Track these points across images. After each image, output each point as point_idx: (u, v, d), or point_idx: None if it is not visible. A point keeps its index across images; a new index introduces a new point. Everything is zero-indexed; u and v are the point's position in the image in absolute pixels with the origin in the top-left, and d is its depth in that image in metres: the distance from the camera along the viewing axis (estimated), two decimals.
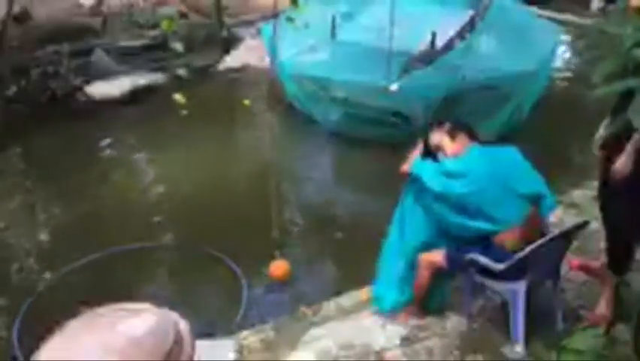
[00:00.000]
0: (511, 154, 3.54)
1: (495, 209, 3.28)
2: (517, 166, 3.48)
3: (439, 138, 3.61)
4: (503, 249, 3.27)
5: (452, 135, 3.57)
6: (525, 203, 3.33)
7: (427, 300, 3.64)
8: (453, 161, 3.47)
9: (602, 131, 3.49)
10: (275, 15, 7.37)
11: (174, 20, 8.66)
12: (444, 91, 6.08)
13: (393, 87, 6.11)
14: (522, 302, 3.31)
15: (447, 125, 3.61)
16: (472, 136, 3.60)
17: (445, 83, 6.09)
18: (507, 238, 3.27)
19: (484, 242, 3.30)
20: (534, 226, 3.37)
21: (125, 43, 8.43)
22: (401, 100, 6.23)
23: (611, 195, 3.40)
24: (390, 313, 3.67)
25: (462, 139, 3.56)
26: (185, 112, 7.39)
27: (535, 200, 3.38)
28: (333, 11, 6.93)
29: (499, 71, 6.32)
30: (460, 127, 3.60)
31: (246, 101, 7.01)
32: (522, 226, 3.29)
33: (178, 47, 8.60)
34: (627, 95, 3.17)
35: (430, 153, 3.64)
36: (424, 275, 3.52)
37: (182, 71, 8.06)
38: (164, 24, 8.32)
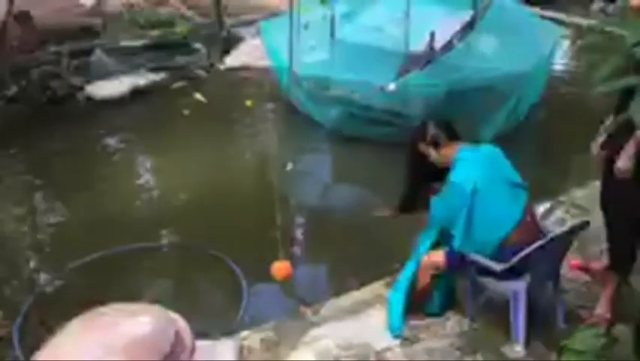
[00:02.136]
0: (495, 149, 3.55)
1: (503, 207, 3.29)
2: (503, 160, 3.49)
3: (426, 150, 3.59)
4: (504, 245, 3.27)
5: (435, 145, 3.54)
6: (522, 192, 3.35)
7: (429, 304, 3.65)
8: (450, 179, 3.43)
9: (602, 133, 3.49)
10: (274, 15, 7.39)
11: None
12: (443, 91, 6.08)
13: (391, 87, 6.11)
14: (523, 302, 3.31)
15: (428, 137, 3.56)
16: (455, 137, 3.57)
17: (444, 82, 6.10)
18: (513, 236, 3.28)
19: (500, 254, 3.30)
20: (533, 218, 3.39)
21: (125, 43, 8.43)
22: (400, 100, 6.23)
23: (613, 195, 3.40)
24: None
25: (446, 144, 3.53)
26: (186, 112, 7.42)
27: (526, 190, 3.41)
28: (333, 11, 6.93)
29: (498, 71, 6.32)
30: (439, 135, 3.54)
31: (249, 102, 7.00)
32: (524, 218, 3.31)
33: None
34: (628, 95, 3.17)
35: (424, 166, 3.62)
36: (425, 277, 3.53)
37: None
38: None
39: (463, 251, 3.36)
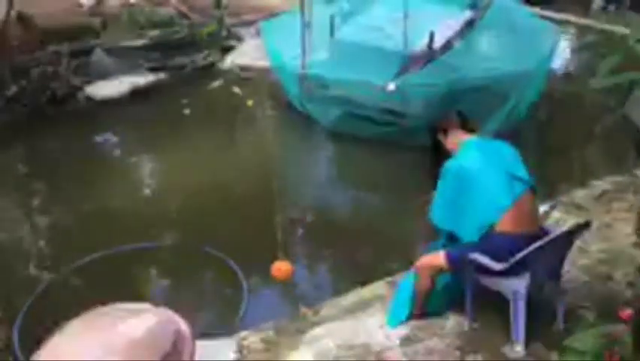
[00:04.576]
0: (506, 148, 3.59)
1: (493, 192, 3.32)
2: (510, 157, 3.53)
3: (439, 136, 3.69)
4: (498, 232, 3.28)
5: (445, 132, 3.65)
6: (518, 184, 3.36)
7: (430, 303, 3.65)
8: (449, 162, 3.51)
9: None
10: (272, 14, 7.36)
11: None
12: (442, 90, 6.09)
13: (391, 86, 6.11)
14: (523, 302, 3.31)
15: (442, 122, 3.69)
16: (468, 129, 3.64)
17: (443, 82, 6.10)
18: (506, 223, 3.28)
19: (487, 237, 3.31)
20: (530, 209, 3.39)
21: (125, 43, 8.43)
22: (400, 99, 6.23)
23: None
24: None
25: (456, 133, 3.62)
26: (186, 111, 7.43)
27: (530, 186, 3.41)
28: (333, 11, 6.94)
29: (498, 71, 6.32)
30: (452, 123, 3.66)
31: (250, 102, 7.01)
32: (517, 207, 3.31)
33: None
34: (629, 91, 3.12)
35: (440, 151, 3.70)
36: (425, 279, 3.53)
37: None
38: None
39: (451, 229, 3.45)
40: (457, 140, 3.59)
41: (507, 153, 3.54)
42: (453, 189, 3.41)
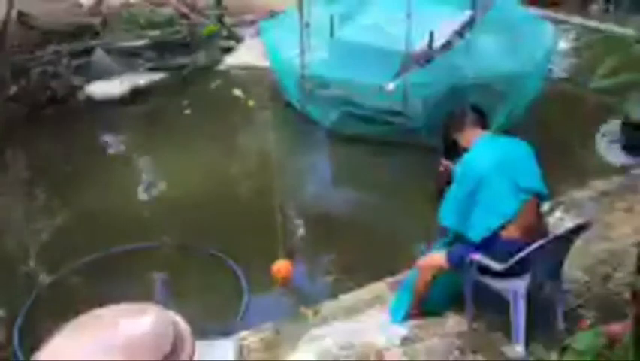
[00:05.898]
0: (520, 147, 3.56)
1: (498, 200, 3.30)
2: (522, 159, 3.48)
3: (452, 131, 3.64)
4: (505, 239, 3.28)
5: (459, 128, 3.59)
6: (523, 195, 3.34)
7: (429, 303, 3.66)
8: (462, 160, 3.49)
9: None
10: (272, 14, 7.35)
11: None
12: (442, 90, 6.08)
13: (390, 86, 6.11)
14: (523, 302, 3.31)
15: (455, 118, 3.64)
16: (482, 125, 3.61)
17: (443, 82, 6.09)
18: (510, 232, 3.28)
19: (490, 241, 3.31)
20: (534, 217, 3.38)
21: (125, 43, 8.43)
22: (399, 99, 6.23)
23: None
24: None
25: (471, 129, 3.56)
26: (186, 111, 7.43)
27: (535, 194, 3.39)
28: (332, 11, 6.94)
29: (497, 71, 6.32)
30: (466, 118, 3.61)
31: (251, 102, 7.00)
32: (521, 216, 3.30)
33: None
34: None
35: (452, 148, 3.67)
36: (424, 278, 3.53)
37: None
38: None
39: (458, 228, 3.43)
40: (473, 137, 3.53)
41: (520, 154, 3.49)
42: (463, 188, 3.39)
